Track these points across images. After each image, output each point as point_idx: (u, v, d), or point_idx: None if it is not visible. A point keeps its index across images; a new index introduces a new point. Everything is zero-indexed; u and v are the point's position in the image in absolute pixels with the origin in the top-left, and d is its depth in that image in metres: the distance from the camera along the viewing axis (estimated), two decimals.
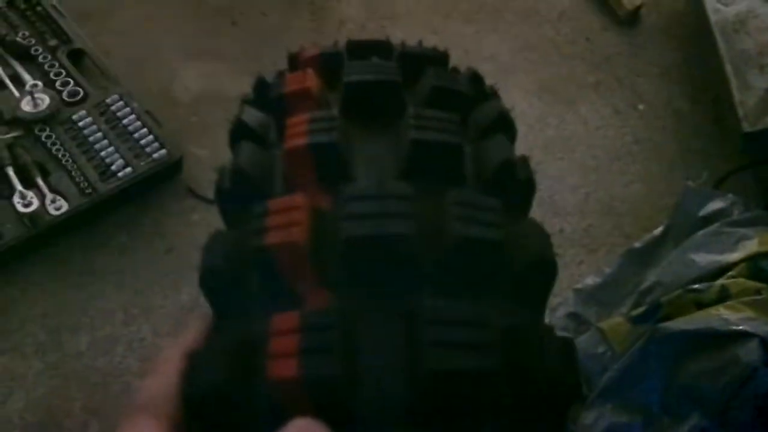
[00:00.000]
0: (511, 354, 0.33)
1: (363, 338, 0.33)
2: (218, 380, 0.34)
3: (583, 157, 1.45)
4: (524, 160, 0.41)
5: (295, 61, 0.47)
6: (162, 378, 0.37)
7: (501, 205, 0.36)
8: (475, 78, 0.47)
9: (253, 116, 0.44)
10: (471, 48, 1.65)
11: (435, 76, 0.42)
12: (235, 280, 0.36)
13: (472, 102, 0.43)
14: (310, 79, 0.42)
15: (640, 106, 1.54)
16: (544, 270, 0.37)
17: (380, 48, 0.47)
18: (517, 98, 1.55)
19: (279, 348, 0.32)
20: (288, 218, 0.35)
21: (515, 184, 0.40)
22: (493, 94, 0.48)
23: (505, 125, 0.44)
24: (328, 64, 0.44)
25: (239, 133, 0.43)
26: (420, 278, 0.34)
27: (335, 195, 0.36)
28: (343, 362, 0.32)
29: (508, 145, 0.41)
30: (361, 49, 0.47)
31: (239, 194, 0.39)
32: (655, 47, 1.62)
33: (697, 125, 1.49)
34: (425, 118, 0.39)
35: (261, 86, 0.46)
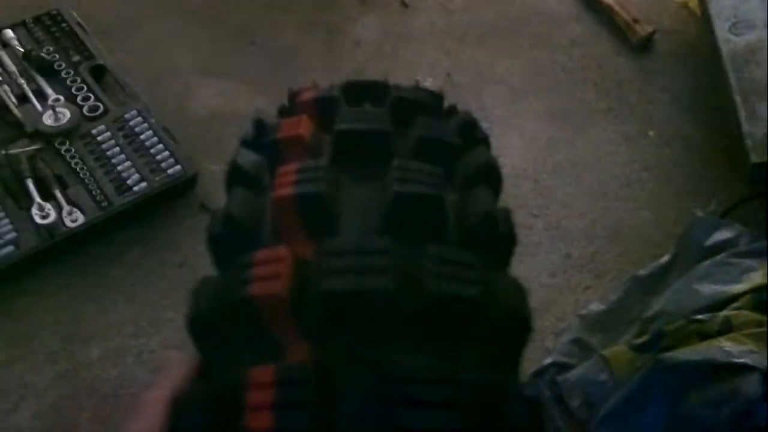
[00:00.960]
0: (480, 409, 0.34)
1: (337, 393, 0.34)
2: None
3: (591, 183, 1.46)
4: (506, 213, 0.42)
5: (294, 102, 0.49)
6: (145, 422, 0.38)
7: (479, 260, 0.37)
8: (467, 124, 0.48)
9: (248, 159, 0.46)
10: (484, 71, 1.67)
11: (424, 126, 0.44)
12: (220, 328, 0.38)
13: (458, 151, 0.45)
14: (304, 126, 0.44)
15: (651, 133, 1.55)
16: (519, 326, 0.38)
17: (376, 91, 0.49)
18: (527, 122, 1.57)
19: (255, 401, 0.34)
20: (271, 270, 0.36)
21: (496, 237, 0.41)
22: (482, 141, 0.49)
23: (489, 176, 0.45)
24: (324, 109, 0.46)
25: (234, 176, 0.46)
26: (395, 333, 0.36)
27: (319, 245, 0.37)
28: (316, 417, 0.33)
29: (490, 197, 0.43)
30: (357, 93, 0.49)
31: (229, 240, 0.41)
32: (667, 74, 1.63)
33: (707, 153, 1.50)
34: (409, 171, 0.40)
35: (259, 127, 0.48)
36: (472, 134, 0.48)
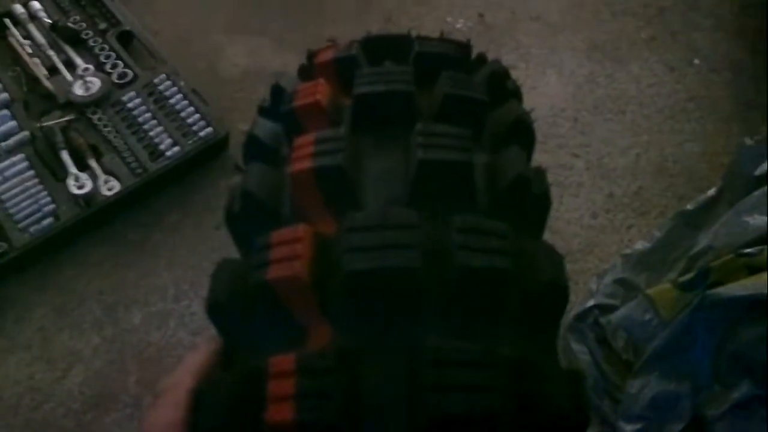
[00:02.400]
0: (516, 390, 0.32)
1: (362, 380, 0.32)
2: (221, 424, 0.34)
3: (634, 117, 1.40)
4: (539, 173, 0.40)
5: (312, 62, 0.46)
6: (168, 411, 0.37)
7: (510, 228, 0.35)
8: (496, 75, 0.45)
9: (265, 129, 0.43)
10: (517, 8, 1.61)
11: (449, 82, 0.41)
12: (240, 313, 0.37)
13: (487, 107, 0.41)
14: (321, 92, 0.41)
15: (696, 61, 1.48)
16: (557, 295, 0.36)
17: (398, 46, 0.45)
18: (565, 58, 1.51)
19: (276, 391, 0.32)
20: (290, 251, 0.34)
21: (529, 199, 0.38)
22: (513, 93, 0.46)
23: (520, 133, 0.42)
24: (343, 69, 0.44)
25: (251, 148, 0.43)
26: (423, 313, 0.33)
27: (340, 221, 0.35)
28: (341, 406, 0.31)
29: (522, 157, 0.40)
30: (378, 50, 0.45)
31: (248, 217, 0.39)
32: None
33: (756, 78, 1.43)
34: (434, 135, 0.37)
35: (277, 93, 0.45)
36: (501, 87, 0.45)
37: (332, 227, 0.36)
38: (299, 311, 0.34)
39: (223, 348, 0.40)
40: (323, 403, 0.31)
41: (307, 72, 0.47)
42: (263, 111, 0.47)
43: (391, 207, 0.36)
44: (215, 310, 0.38)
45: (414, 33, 0.48)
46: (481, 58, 0.48)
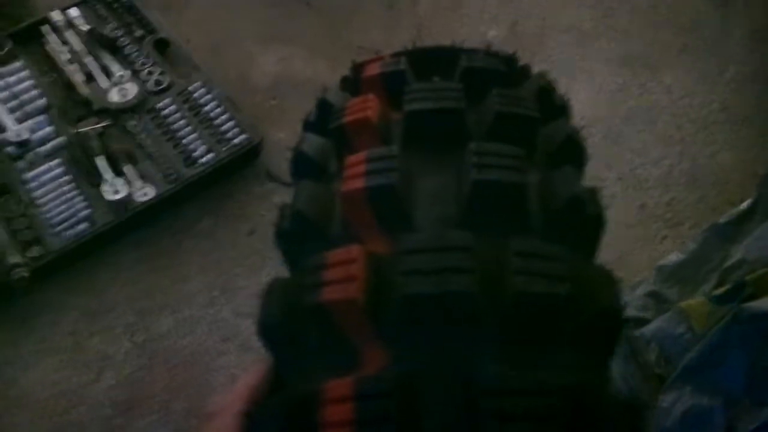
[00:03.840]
0: (575, 419, 0.32)
1: (421, 406, 0.32)
2: None
3: (666, 128, 1.39)
4: (593, 194, 0.39)
5: (358, 75, 0.46)
6: None
7: (566, 251, 0.34)
8: (544, 90, 0.45)
9: (313, 145, 0.43)
10: (549, 17, 1.61)
11: (499, 99, 0.40)
12: (292, 335, 0.36)
13: (538, 124, 0.41)
14: (371, 108, 0.41)
15: (729, 71, 1.46)
16: (612, 322, 0.36)
17: (444, 59, 0.45)
18: (597, 68, 1.51)
19: (334, 417, 0.32)
20: (345, 272, 0.34)
21: (583, 220, 0.38)
22: (562, 108, 0.45)
23: (572, 150, 0.42)
24: (391, 85, 0.43)
25: (300, 165, 0.43)
26: (480, 338, 0.33)
27: (394, 241, 0.35)
28: None
29: (575, 177, 0.39)
30: (424, 63, 0.45)
31: (299, 237, 0.39)
32: (744, 5, 1.53)
33: None
34: (487, 154, 0.37)
35: (323, 107, 0.45)
36: (550, 102, 0.44)
37: (385, 247, 0.35)
38: (353, 334, 0.34)
39: (273, 370, 0.39)
40: (383, 429, 0.31)
41: (351, 85, 0.47)
42: (309, 125, 0.46)
43: (447, 229, 0.36)
44: (266, 331, 0.37)
45: (459, 45, 0.47)
46: (526, 70, 0.48)
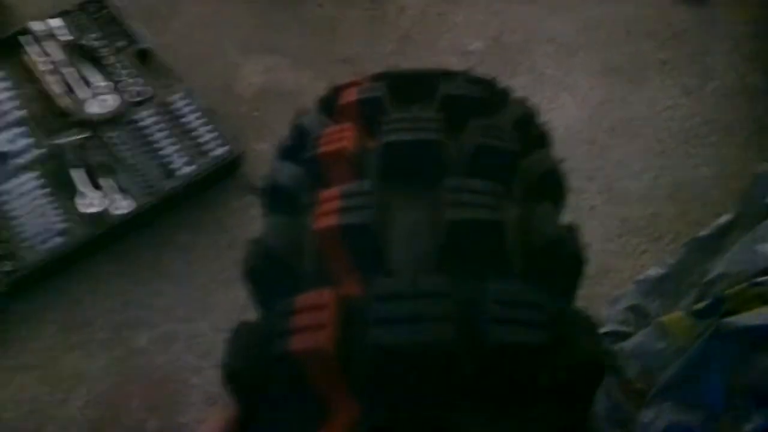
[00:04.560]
0: None
1: None
2: None
3: (648, 141, 1.39)
4: (572, 232, 0.38)
5: (335, 99, 0.45)
6: None
7: (545, 296, 0.33)
8: (524, 118, 0.44)
9: (286, 175, 0.42)
10: (533, 29, 1.61)
11: (478, 131, 0.39)
12: (259, 384, 0.35)
13: (517, 157, 0.40)
14: (347, 138, 0.40)
15: (711, 85, 1.47)
16: (593, 372, 0.34)
17: (423, 86, 0.44)
18: (580, 80, 1.51)
19: None
20: (314, 319, 0.32)
21: (563, 261, 0.37)
22: (541, 138, 0.44)
23: (552, 186, 0.41)
24: (368, 112, 0.42)
25: (272, 196, 0.42)
26: (456, 391, 0.32)
27: (367, 284, 0.34)
28: None
29: (554, 215, 0.38)
30: (402, 89, 0.44)
31: (268, 273, 0.37)
32: (726, 21, 1.54)
33: None
34: (464, 192, 0.36)
35: (299, 133, 0.44)
36: (530, 131, 0.43)
37: (358, 289, 0.34)
38: (323, 385, 0.33)
39: (237, 419, 0.38)
40: None
41: (328, 107, 0.46)
42: (284, 152, 0.45)
43: (421, 273, 0.34)
44: (231, 378, 0.36)
45: (438, 69, 0.46)
46: (505, 95, 0.47)
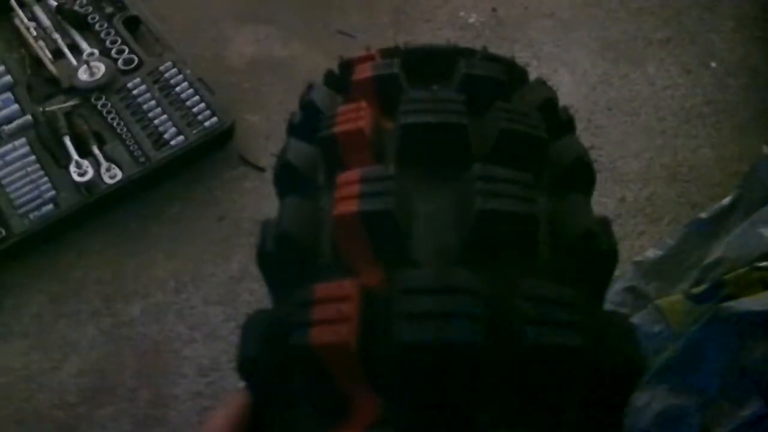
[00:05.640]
0: None
1: None
2: None
3: (648, 120, 1.37)
4: (606, 225, 0.36)
5: (347, 75, 0.42)
6: None
7: (581, 295, 0.31)
8: (549, 103, 0.41)
9: (300, 155, 0.39)
10: (531, 3, 1.58)
11: (504, 115, 0.36)
12: (275, 376, 0.33)
13: (545, 144, 0.38)
14: (364, 118, 0.37)
15: (713, 64, 1.45)
16: (629, 379, 0.32)
17: (440, 62, 0.42)
18: (579, 57, 1.49)
19: None
20: (336, 311, 0.31)
21: (596, 257, 0.35)
22: (568, 124, 0.42)
23: (581, 173, 0.38)
24: (384, 90, 0.39)
25: (285, 177, 0.39)
26: (485, 393, 0.30)
27: (391, 275, 0.32)
28: None
29: (587, 207, 0.36)
30: (419, 66, 0.42)
31: (283, 259, 0.36)
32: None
33: None
34: (494, 180, 0.33)
35: (309, 110, 0.42)
36: (555, 116, 0.41)
37: (379, 278, 0.32)
38: (343, 380, 0.31)
39: (252, 408, 0.36)
40: None
41: (338, 83, 0.44)
42: (294, 129, 0.43)
43: (450, 268, 0.32)
44: (246, 368, 0.34)
45: (453, 45, 0.44)
46: (524, 76, 0.45)
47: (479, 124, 0.37)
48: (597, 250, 0.35)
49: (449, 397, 0.30)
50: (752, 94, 1.39)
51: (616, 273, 1.12)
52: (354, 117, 0.37)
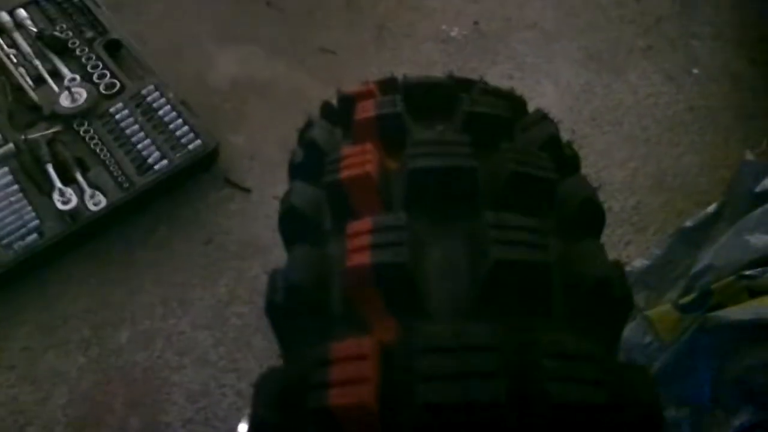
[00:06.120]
0: None
1: None
2: None
3: (631, 129, 1.38)
4: (620, 272, 0.35)
5: (347, 110, 0.41)
6: None
7: (600, 347, 0.31)
8: (553, 140, 0.41)
9: (306, 199, 0.39)
10: (513, 15, 1.58)
11: (512, 156, 0.36)
12: None
13: (554, 186, 0.37)
14: (371, 161, 0.37)
15: (695, 71, 1.45)
16: (653, 428, 0.33)
17: (441, 96, 0.41)
18: (561, 68, 1.49)
19: None
20: (356, 373, 0.30)
21: (611, 305, 0.34)
22: (573, 160, 0.42)
23: (591, 214, 0.38)
24: (388, 129, 0.39)
25: (291, 223, 0.39)
26: None
27: (406, 330, 0.31)
28: None
29: (601, 253, 0.36)
30: (421, 101, 0.41)
31: (294, 311, 0.35)
32: (709, 5, 1.52)
33: (756, 88, 1.40)
34: (506, 228, 0.33)
35: (310, 148, 0.41)
36: (561, 154, 0.41)
37: (395, 334, 0.31)
38: None
39: None
40: None
41: (336, 116, 0.43)
42: (297, 170, 0.42)
43: (467, 323, 0.31)
44: (263, 429, 0.34)
45: (452, 76, 0.43)
46: (522, 104, 0.44)
47: (487, 166, 0.36)
48: (612, 298, 0.34)
49: None
50: (735, 99, 1.40)
51: None
52: (360, 161, 0.37)
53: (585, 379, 0.29)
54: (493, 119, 0.40)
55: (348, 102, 0.43)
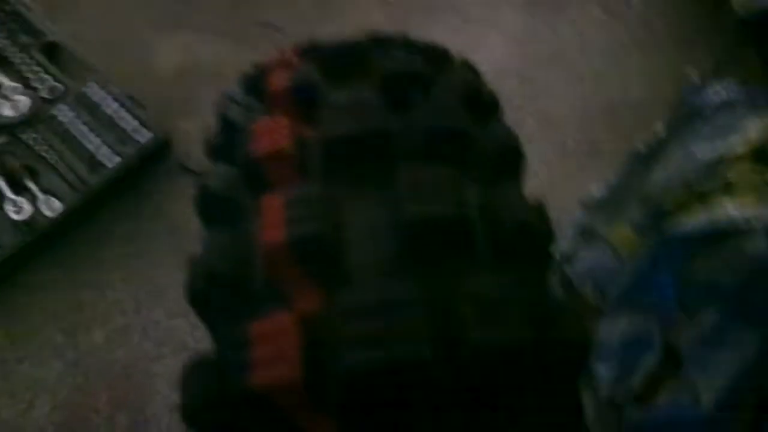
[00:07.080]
0: None
1: None
2: None
3: (578, 66, 1.38)
4: (540, 212, 0.35)
5: (263, 81, 0.41)
6: None
7: (525, 284, 0.31)
8: (471, 88, 0.40)
9: (222, 180, 0.38)
10: None
11: (427, 110, 0.36)
12: (222, 423, 0.33)
13: (471, 133, 0.37)
14: (283, 135, 0.36)
15: (636, 2, 1.46)
16: (580, 360, 0.33)
17: (359, 57, 0.41)
18: (504, 15, 1.49)
19: None
20: (276, 349, 0.30)
21: (534, 243, 0.35)
22: (492, 107, 0.41)
23: (510, 158, 0.38)
24: (303, 97, 0.39)
25: (208, 205, 0.38)
26: (436, 408, 0.30)
27: (329, 296, 0.31)
28: None
29: (519, 196, 0.36)
30: (333, 62, 0.40)
31: (214, 295, 0.35)
32: None
33: (696, 13, 1.41)
34: (422, 183, 0.32)
35: (227, 126, 0.40)
36: (479, 101, 0.40)
37: (317, 301, 0.31)
38: (295, 413, 0.30)
39: None
40: None
41: (255, 89, 0.42)
42: (214, 151, 0.41)
43: (387, 280, 0.31)
44: (192, 420, 0.34)
45: (368, 37, 0.43)
46: (444, 56, 0.43)
47: (402, 123, 0.37)
48: (534, 237, 0.35)
49: (406, 416, 0.29)
50: (675, 25, 1.40)
51: (565, 215, 1.13)
52: (273, 135, 0.37)
53: (508, 322, 0.29)
54: (408, 76, 0.39)
55: (263, 73, 0.42)
